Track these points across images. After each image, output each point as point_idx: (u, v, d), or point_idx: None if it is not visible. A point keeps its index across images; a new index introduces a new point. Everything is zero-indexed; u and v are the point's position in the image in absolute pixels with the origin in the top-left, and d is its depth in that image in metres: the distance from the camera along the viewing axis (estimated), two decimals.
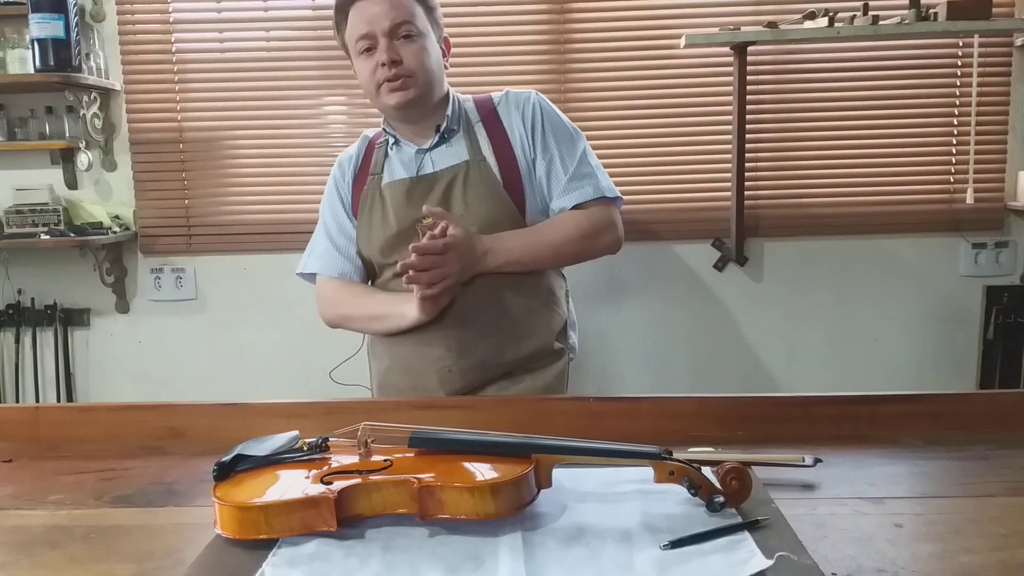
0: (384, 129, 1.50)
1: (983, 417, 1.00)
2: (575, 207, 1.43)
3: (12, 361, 2.41)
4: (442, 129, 1.44)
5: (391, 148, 1.49)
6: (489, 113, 1.47)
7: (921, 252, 2.30)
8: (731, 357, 2.35)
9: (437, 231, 1.28)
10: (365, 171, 1.50)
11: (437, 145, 1.45)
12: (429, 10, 1.43)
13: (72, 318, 2.39)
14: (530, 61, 2.26)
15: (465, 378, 1.40)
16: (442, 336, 1.39)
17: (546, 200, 1.45)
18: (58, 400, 2.38)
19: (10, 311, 2.38)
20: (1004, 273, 2.29)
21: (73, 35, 2.13)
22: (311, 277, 1.55)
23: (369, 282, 1.54)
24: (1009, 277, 2.30)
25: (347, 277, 1.49)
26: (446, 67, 1.48)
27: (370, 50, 1.39)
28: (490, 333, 1.39)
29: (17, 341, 2.40)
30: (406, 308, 1.38)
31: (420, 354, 1.41)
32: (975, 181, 2.24)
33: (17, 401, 2.40)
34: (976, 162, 2.24)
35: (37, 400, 2.40)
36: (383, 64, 1.37)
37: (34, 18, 2.08)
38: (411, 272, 1.28)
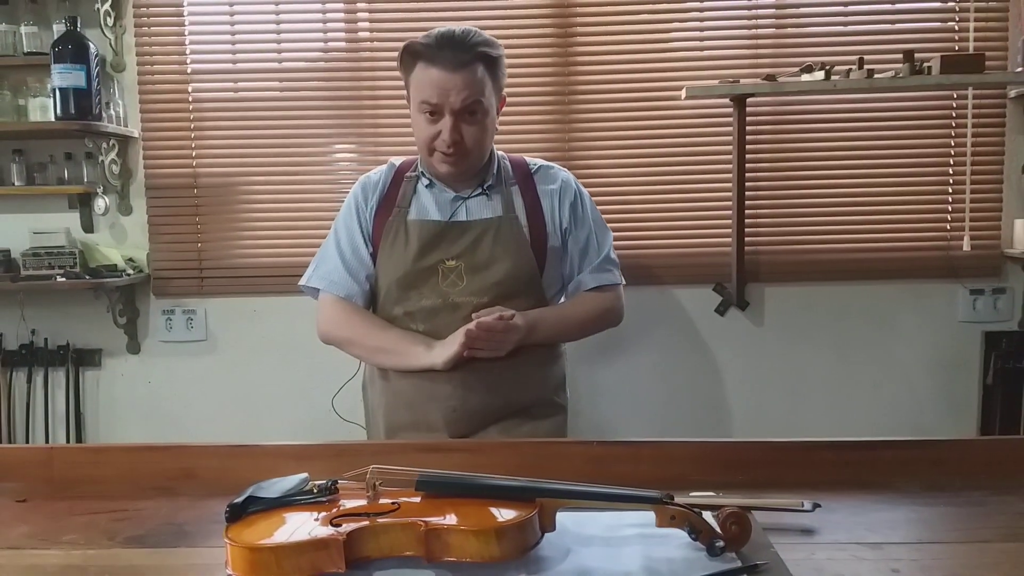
0: (421, 171, 1.52)
1: (981, 464, 1.01)
2: (597, 287, 1.54)
3: (24, 400, 2.43)
4: (487, 185, 1.50)
5: (424, 186, 1.52)
6: (525, 177, 1.54)
7: (920, 298, 2.32)
8: (733, 401, 2.36)
9: (507, 315, 1.39)
10: (391, 201, 1.52)
11: (476, 195, 1.50)
12: (497, 78, 1.46)
13: (84, 358, 2.42)
14: (536, 112, 2.32)
15: (470, 420, 1.43)
16: (448, 378, 1.42)
17: (571, 270, 1.54)
18: (68, 439, 2.40)
19: (23, 351, 2.41)
20: (1002, 319, 2.31)
21: (94, 85, 2.19)
22: (314, 291, 1.56)
23: (371, 309, 1.56)
24: (1007, 323, 2.31)
25: (353, 299, 1.52)
26: (496, 129, 1.51)
27: (433, 114, 1.42)
28: (494, 379, 1.43)
29: (29, 381, 2.42)
30: (422, 351, 1.42)
31: (425, 391, 1.44)
32: (971, 229, 2.27)
33: (27, 440, 2.41)
34: (972, 210, 2.27)
35: (47, 439, 2.41)
36: (443, 139, 1.41)
37: (56, 68, 2.15)
38: (470, 336, 1.38)
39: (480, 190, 1.50)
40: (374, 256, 1.52)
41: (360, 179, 1.58)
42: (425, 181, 1.52)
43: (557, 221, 1.51)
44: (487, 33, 1.46)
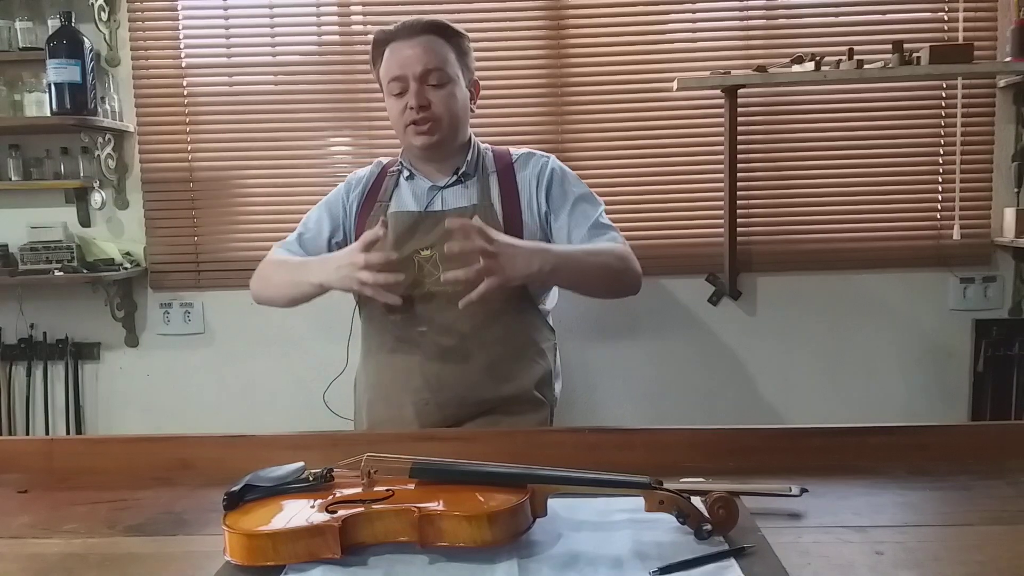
0: (401, 162, 1.55)
1: (966, 448, 1.03)
2: None
3: (23, 394, 2.44)
4: (460, 172, 1.50)
5: (404, 179, 1.53)
6: (505, 167, 1.53)
7: (911, 287, 2.33)
8: (726, 390, 2.38)
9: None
10: (374, 197, 1.54)
11: (452, 185, 1.50)
12: (461, 55, 1.49)
13: (83, 352, 2.43)
14: (529, 104, 2.33)
15: (442, 411, 1.42)
16: (421, 369, 1.43)
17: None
18: (67, 432, 2.41)
19: (22, 345, 2.42)
20: (992, 307, 2.32)
21: (89, 80, 2.20)
22: None
23: (356, 307, 1.56)
24: (997, 311, 2.33)
25: None
26: (472, 111, 1.53)
27: (401, 93, 1.45)
28: (468, 370, 1.42)
29: (28, 374, 2.43)
30: (315, 267, 1.39)
31: (399, 385, 1.44)
32: (961, 218, 2.28)
33: (27, 433, 2.43)
34: (962, 199, 2.28)
35: (47, 432, 2.42)
36: (411, 108, 1.43)
37: (52, 63, 2.16)
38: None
39: (455, 178, 1.50)
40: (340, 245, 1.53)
41: (348, 176, 1.61)
42: (406, 173, 1.53)
43: (535, 208, 1.49)
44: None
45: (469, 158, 1.51)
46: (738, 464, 1.01)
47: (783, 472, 0.97)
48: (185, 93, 2.37)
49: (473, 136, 1.56)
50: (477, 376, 1.43)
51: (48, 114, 2.21)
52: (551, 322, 1.59)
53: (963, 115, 2.26)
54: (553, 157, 1.57)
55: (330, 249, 1.53)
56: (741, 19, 2.30)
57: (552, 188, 1.51)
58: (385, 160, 1.61)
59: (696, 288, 2.36)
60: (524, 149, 1.58)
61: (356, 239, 1.51)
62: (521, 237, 1.46)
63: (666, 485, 0.82)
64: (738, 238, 2.28)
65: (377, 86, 1.55)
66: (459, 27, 1.51)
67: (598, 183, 2.30)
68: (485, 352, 1.44)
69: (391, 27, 1.48)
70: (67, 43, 2.17)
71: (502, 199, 1.49)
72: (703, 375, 2.38)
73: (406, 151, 1.55)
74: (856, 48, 2.10)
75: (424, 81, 1.44)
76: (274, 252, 1.56)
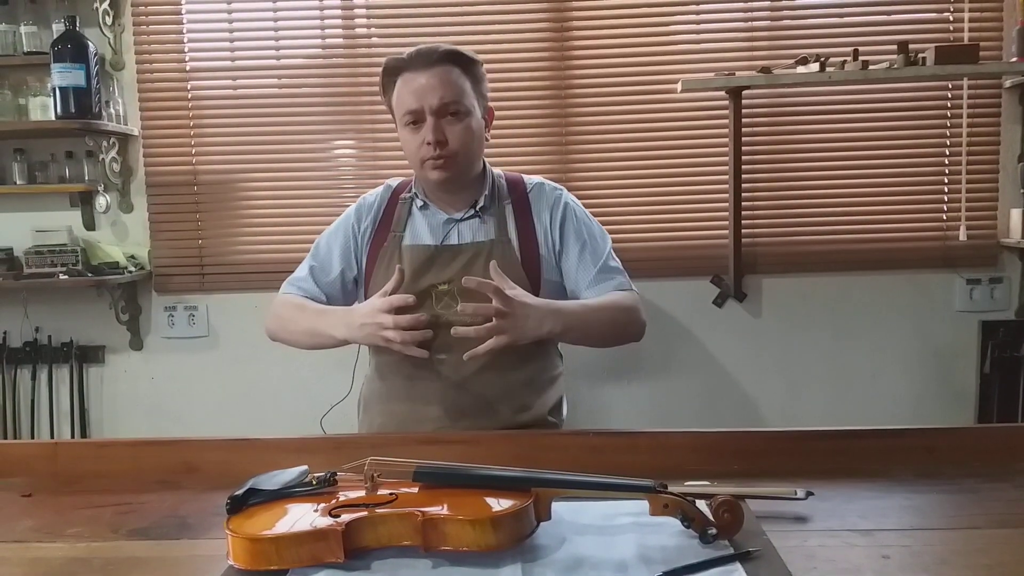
0: (415, 192, 1.51)
1: (973, 451, 1.02)
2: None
3: (28, 397, 2.45)
4: (479, 206, 1.47)
5: (418, 208, 1.50)
6: (520, 197, 1.50)
7: (917, 288, 2.33)
8: (731, 392, 2.37)
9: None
10: (386, 226, 1.50)
11: (468, 218, 1.47)
12: (477, 83, 1.46)
13: (87, 355, 2.44)
14: (533, 107, 2.33)
15: None
16: (440, 398, 1.41)
17: (572, 291, 1.49)
18: (72, 435, 2.42)
19: (27, 348, 2.43)
20: (999, 308, 2.32)
21: (93, 83, 2.20)
22: None
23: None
24: (1004, 312, 2.32)
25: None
26: (487, 139, 1.50)
27: (416, 124, 1.41)
28: (487, 400, 1.41)
29: (34, 378, 2.44)
30: (338, 325, 1.38)
31: (417, 413, 1.42)
32: (968, 219, 2.28)
33: (32, 436, 2.43)
34: (968, 200, 2.28)
35: (52, 435, 2.43)
36: (428, 143, 1.39)
37: (56, 67, 2.16)
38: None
39: (473, 212, 1.47)
40: (364, 280, 1.51)
41: (358, 200, 1.57)
42: (419, 203, 1.50)
43: (550, 243, 1.48)
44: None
45: (487, 191, 1.48)
46: (743, 467, 1.01)
47: (788, 475, 0.96)
48: (189, 97, 2.38)
49: (487, 164, 1.53)
50: (495, 405, 1.42)
51: (53, 118, 2.22)
52: (559, 348, 1.58)
53: (969, 116, 2.26)
54: (565, 191, 1.55)
55: (343, 285, 1.52)
56: (745, 20, 2.30)
57: (565, 225, 1.49)
58: (395, 183, 1.57)
59: (701, 290, 2.35)
60: (536, 178, 1.56)
61: (368, 272, 1.49)
62: (539, 272, 1.44)
63: (671, 488, 0.82)
64: (743, 240, 2.27)
65: (383, 107, 1.51)
66: (472, 53, 1.47)
67: (603, 186, 2.31)
68: (503, 381, 1.42)
69: (403, 55, 1.43)
70: (71, 47, 2.17)
71: (519, 233, 1.46)
72: (708, 377, 2.37)
73: (420, 181, 1.52)
74: (861, 49, 2.09)
75: (441, 115, 1.40)
76: (286, 289, 1.54)
